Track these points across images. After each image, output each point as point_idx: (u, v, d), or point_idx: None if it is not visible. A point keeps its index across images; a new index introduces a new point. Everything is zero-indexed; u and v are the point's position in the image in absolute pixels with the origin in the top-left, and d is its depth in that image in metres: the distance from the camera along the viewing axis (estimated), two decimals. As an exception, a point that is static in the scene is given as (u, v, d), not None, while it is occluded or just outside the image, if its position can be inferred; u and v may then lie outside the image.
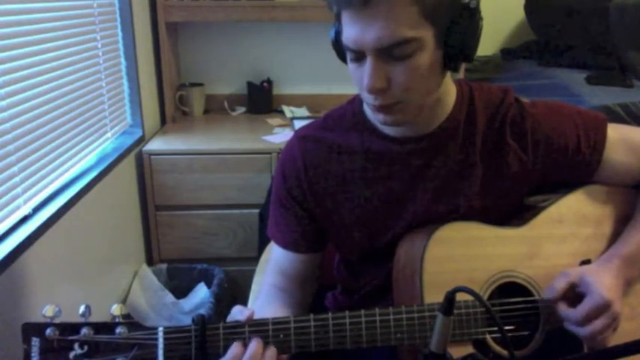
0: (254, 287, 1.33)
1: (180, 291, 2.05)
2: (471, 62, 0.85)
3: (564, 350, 0.90)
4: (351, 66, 0.84)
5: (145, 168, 2.03)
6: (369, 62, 0.79)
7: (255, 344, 0.78)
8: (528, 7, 2.33)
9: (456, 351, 0.82)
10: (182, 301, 1.99)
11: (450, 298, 0.66)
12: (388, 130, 0.93)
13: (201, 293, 1.99)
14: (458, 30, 0.80)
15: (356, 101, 0.98)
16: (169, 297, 1.98)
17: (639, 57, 2.02)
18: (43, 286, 1.34)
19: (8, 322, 1.19)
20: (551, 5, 2.26)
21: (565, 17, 2.22)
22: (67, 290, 1.47)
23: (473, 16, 0.81)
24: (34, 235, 1.29)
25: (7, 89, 1.23)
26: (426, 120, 0.91)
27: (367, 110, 0.95)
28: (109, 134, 1.84)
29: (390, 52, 0.78)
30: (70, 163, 1.56)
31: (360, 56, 0.81)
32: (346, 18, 0.79)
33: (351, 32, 0.78)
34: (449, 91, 0.92)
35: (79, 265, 1.56)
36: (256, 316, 0.81)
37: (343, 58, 0.89)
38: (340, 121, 0.98)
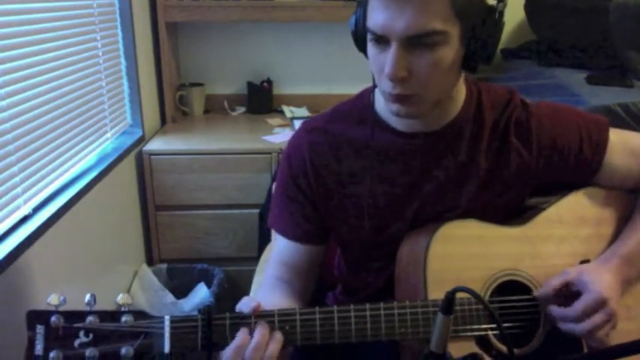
0: (254, 287, 1.34)
1: (181, 291, 2.05)
2: (489, 64, 0.85)
3: (565, 348, 0.90)
4: (372, 52, 0.84)
5: (145, 168, 2.03)
6: (393, 50, 0.79)
7: (261, 330, 0.78)
8: (528, 7, 2.33)
9: (459, 347, 0.82)
10: (182, 301, 1.99)
11: (449, 297, 0.66)
12: (397, 125, 0.94)
13: (201, 293, 2.00)
14: (483, 31, 0.81)
15: (365, 95, 0.99)
16: (169, 297, 1.98)
17: (639, 57, 2.01)
18: (43, 286, 1.34)
19: (8, 322, 1.19)
20: (551, 5, 2.26)
21: (565, 17, 2.22)
22: (67, 290, 1.47)
23: (498, 19, 0.82)
24: (34, 235, 1.29)
25: (7, 89, 1.24)
26: (436, 116, 0.92)
27: (377, 104, 0.96)
28: (109, 134, 1.85)
29: (416, 42, 0.78)
30: (70, 163, 1.56)
31: (383, 42, 0.81)
32: (376, 3, 0.79)
33: (380, 17, 0.78)
34: (460, 90, 0.93)
35: (79, 265, 1.57)
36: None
37: (361, 47, 0.88)
38: (349, 114, 0.99)
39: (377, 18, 0.79)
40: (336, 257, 1.14)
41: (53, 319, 0.73)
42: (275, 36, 2.50)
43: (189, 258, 2.13)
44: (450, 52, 0.80)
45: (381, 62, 0.82)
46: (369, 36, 0.83)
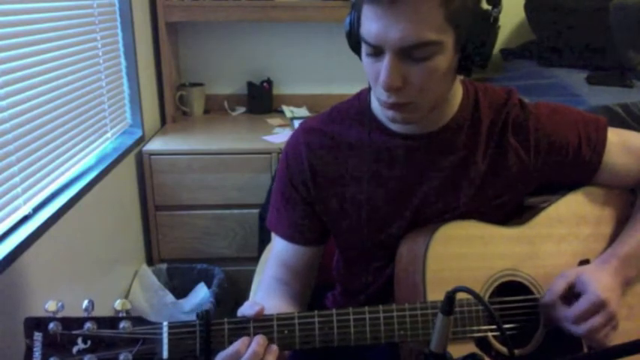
0: (254, 287, 1.34)
1: (181, 291, 2.05)
2: (484, 68, 0.85)
3: (564, 348, 0.90)
4: (366, 60, 0.84)
5: (144, 168, 2.03)
6: (387, 60, 0.79)
7: (258, 341, 0.77)
8: (528, 7, 2.33)
9: (459, 349, 0.82)
10: (182, 301, 1.99)
11: (450, 297, 0.66)
12: (394, 127, 0.94)
13: (201, 293, 2.00)
14: (477, 37, 0.81)
15: (362, 96, 0.99)
16: (169, 297, 1.98)
17: (639, 57, 2.01)
18: (43, 286, 1.34)
19: (8, 322, 1.19)
20: (551, 5, 2.26)
21: (565, 17, 2.22)
22: (67, 290, 1.47)
23: (493, 24, 0.82)
24: (34, 235, 1.29)
25: (7, 89, 1.23)
26: (432, 118, 0.92)
27: (375, 105, 0.95)
28: (109, 134, 1.84)
29: (410, 53, 0.78)
30: (70, 163, 1.56)
31: (377, 52, 0.80)
32: (369, 12, 0.78)
33: (373, 28, 0.78)
34: (456, 91, 0.93)
35: (79, 266, 1.57)
36: None
37: (355, 50, 0.88)
38: (347, 114, 0.99)
39: (370, 28, 0.78)
40: (334, 258, 1.14)
41: (51, 326, 0.72)
42: (275, 36, 2.50)
43: (189, 258, 2.13)
44: (444, 60, 0.80)
45: (375, 70, 0.82)
46: (363, 44, 0.83)
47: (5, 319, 1.19)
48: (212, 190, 2.06)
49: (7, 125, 1.23)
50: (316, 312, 0.82)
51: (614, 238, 0.97)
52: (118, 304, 0.76)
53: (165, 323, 0.77)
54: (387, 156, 0.95)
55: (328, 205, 0.99)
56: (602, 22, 2.09)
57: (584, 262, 0.95)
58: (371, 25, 0.78)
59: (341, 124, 0.98)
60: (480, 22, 0.81)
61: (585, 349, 0.90)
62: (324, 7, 2.23)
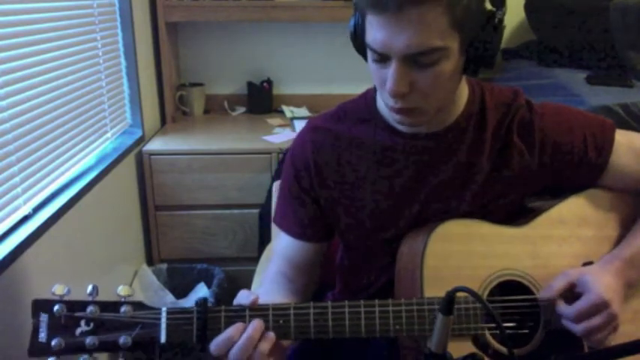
0: (254, 287, 1.34)
1: (181, 291, 2.05)
2: (491, 68, 0.85)
3: (564, 349, 0.90)
4: (373, 66, 0.84)
5: (144, 168, 2.03)
6: (394, 66, 0.79)
7: (255, 325, 0.78)
8: (528, 7, 2.33)
9: (456, 346, 0.82)
10: (182, 301, 1.99)
11: (449, 297, 0.66)
12: (400, 126, 0.94)
13: (201, 293, 2.00)
14: (483, 38, 0.81)
15: (368, 95, 0.99)
16: (169, 297, 1.98)
17: (639, 57, 2.01)
18: (43, 286, 1.34)
19: (9, 322, 1.19)
20: (551, 5, 2.26)
21: (565, 17, 2.22)
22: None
23: (498, 25, 0.82)
24: (34, 235, 1.29)
25: (7, 89, 1.24)
26: (438, 118, 0.92)
27: (381, 105, 0.96)
28: (109, 134, 1.85)
29: (416, 59, 0.78)
30: (70, 163, 1.56)
31: (383, 58, 0.81)
32: (374, 21, 0.79)
33: (379, 36, 0.78)
34: (462, 91, 0.93)
35: (79, 265, 1.57)
36: (260, 302, 0.82)
37: (360, 51, 0.89)
38: (353, 113, 0.99)
39: (376, 36, 0.79)
40: (338, 255, 1.14)
41: (56, 307, 0.76)
42: (275, 36, 2.50)
43: (189, 258, 2.13)
44: (450, 64, 0.80)
45: (382, 76, 0.82)
46: (368, 51, 0.83)
47: (6, 319, 1.19)
48: (212, 190, 2.06)
49: (7, 125, 1.23)
50: (312, 303, 0.83)
51: (617, 241, 0.96)
52: (120, 289, 0.80)
53: (164, 309, 0.79)
54: (392, 155, 0.95)
55: (333, 203, 1.00)
56: (602, 22, 2.09)
57: (588, 264, 0.94)
58: (376, 33, 0.79)
59: (347, 123, 0.99)
60: (485, 24, 0.81)
61: (586, 349, 0.90)
62: (324, 7, 2.23)
